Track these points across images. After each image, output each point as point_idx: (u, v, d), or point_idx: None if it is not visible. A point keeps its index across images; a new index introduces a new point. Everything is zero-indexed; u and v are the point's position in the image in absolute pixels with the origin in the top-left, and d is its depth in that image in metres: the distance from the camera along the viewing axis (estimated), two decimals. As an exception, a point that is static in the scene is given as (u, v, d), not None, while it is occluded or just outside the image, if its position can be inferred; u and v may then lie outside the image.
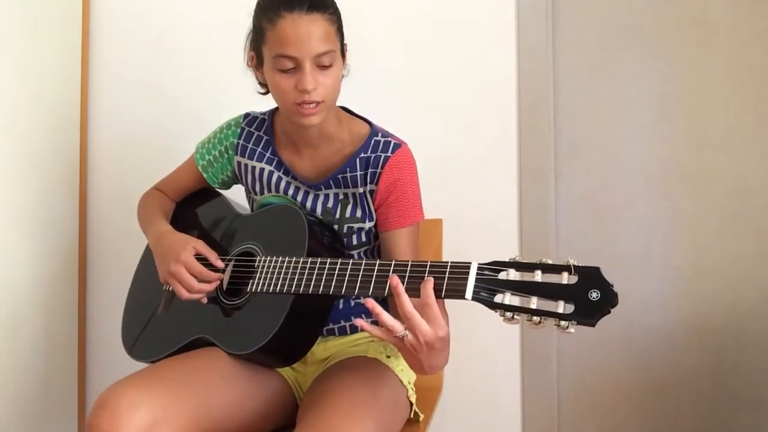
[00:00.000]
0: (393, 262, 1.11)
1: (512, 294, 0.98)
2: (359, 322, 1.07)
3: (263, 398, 1.29)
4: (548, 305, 0.96)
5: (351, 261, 1.17)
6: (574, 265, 0.96)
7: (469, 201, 1.89)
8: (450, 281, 1.04)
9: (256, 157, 1.40)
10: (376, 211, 1.34)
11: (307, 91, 1.22)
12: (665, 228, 1.90)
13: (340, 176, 1.33)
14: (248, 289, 1.27)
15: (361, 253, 1.39)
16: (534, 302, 0.96)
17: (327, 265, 1.18)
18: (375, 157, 1.31)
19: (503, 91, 1.90)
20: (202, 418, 1.16)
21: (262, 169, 1.39)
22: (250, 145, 1.41)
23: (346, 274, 1.15)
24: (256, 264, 1.28)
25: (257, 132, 1.41)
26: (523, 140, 1.90)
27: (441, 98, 1.91)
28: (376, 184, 1.31)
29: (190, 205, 1.52)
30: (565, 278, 0.96)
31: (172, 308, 1.38)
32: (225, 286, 1.32)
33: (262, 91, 1.39)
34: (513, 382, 1.91)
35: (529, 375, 1.91)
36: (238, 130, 1.42)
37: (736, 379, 1.88)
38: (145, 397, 1.11)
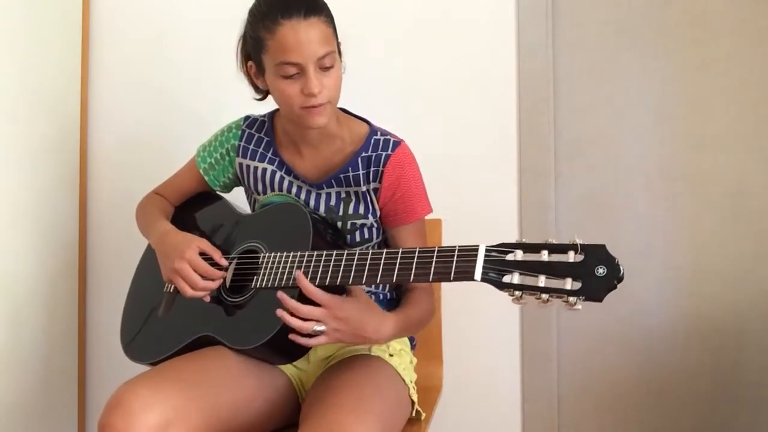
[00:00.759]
0: (400, 251, 1.14)
1: (520, 274, 1.00)
2: (280, 312, 1.16)
3: (269, 397, 1.30)
4: (556, 283, 0.97)
5: (357, 251, 1.19)
6: (579, 244, 0.98)
7: (469, 201, 1.89)
8: (459, 264, 1.06)
9: (258, 157, 1.41)
10: (382, 209, 1.36)
11: (313, 95, 1.23)
12: (665, 228, 1.90)
13: (342, 175, 1.35)
14: (252, 285, 1.28)
15: (364, 249, 1.39)
16: (542, 280, 0.98)
17: (333, 257, 1.19)
18: (376, 156, 1.33)
19: (503, 91, 1.90)
20: (212, 419, 1.17)
21: (264, 170, 1.40)
22: (251, 147, 1.42)
23: (353, 264, 1.17)
24: (260, 260, 1.29)
25: (258, 134, 1.43)
26: (523, 140, 1.90)
27: (441, 98, 1.92)
28: (380, 182, 1.33)
29: (191, 208, 1.52)
30: (571, 257, 0.98)
31: (173, 309, 1.38)
32: (228, 284, 1.33)
33: (258, 97, 1.41)
34: (513, 382, 1.91)
35: (529, 375, 1.91)
36: (239, 132, 1.43)
37: (736, 379, 1.88)
38: (159, 397, 1.11)
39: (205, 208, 1.51)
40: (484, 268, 1.03)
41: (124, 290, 1.53)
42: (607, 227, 1.92)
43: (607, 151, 1.94)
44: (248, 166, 1.42)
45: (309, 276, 1.20)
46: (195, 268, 1.27)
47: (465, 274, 1.04)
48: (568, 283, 0.97)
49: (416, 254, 1.11)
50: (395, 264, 1.13)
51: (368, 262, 1.16)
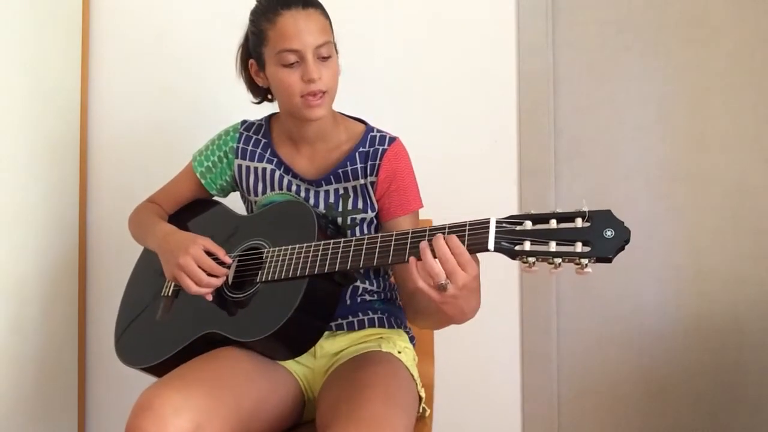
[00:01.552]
0: (410, 230, 1.15)
1: (531, 242, 1.03)
2: (423, 245, 1.08)
3: (281, 397, 1.31)
4: (566, 248, 1.01)
5: (366, 235, 1.20)
6: (586, 211, 1.02)
7: (469, 201, 1.89)
8: (471, 236, 1.08)
9: (256, 158, 1.42)
10: (378, 201, 1.38)
11: (313, 80, 1.27)
12: (665, 228, 1.91)
13: (340, 171, 1.37)
14: (258, 279, 1.29)
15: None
16: (553, 246, 1.02)
17: (342, 244, 1.21)
18: (373, 151, 1.36)
19: (503, 91, 1.90)
20: (235, 421, 1.17)
21: (264, 169, 1.41)
22: (249, 148, 1.44)
23: (362, 247, 1.19)
24: (265, 255, 1.30)
25: (255, 136, 1.45)
26: (523, 140, 1.90)
27: (441, 98, 1.92)
28: (376, 176, 1.36)
29: (190, 212, 1.52)
30: (579, 223, 1.02)
31: (172, 312, 1.38)
32: (230, 282, 1.33)
33: (256, 101, 1.44)
34: (513, 382, 1.91)
35: (529, 375, 1.91)
36: (237, 135, 1.45)
37: (736, 379, 1.88)
38: (190, 402, 1.11)
39: (204, 212, 1.51)
40: (496, 238, 1.06)
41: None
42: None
43: (607, 151, 1.94)
44: (247, 167, 1.43)
45: (318, 264, 1.21)
46: (199, 265, 1.28)
47: (479, 245, 1.07)
48: (579, 247, 1.01)
49: (427, 231, 1.13)
50: (406, 242, 1.14)
51: (378, 243, 1.17)
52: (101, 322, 2.02)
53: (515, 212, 1.87)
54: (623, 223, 1.01)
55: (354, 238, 1.21)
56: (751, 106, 1.87)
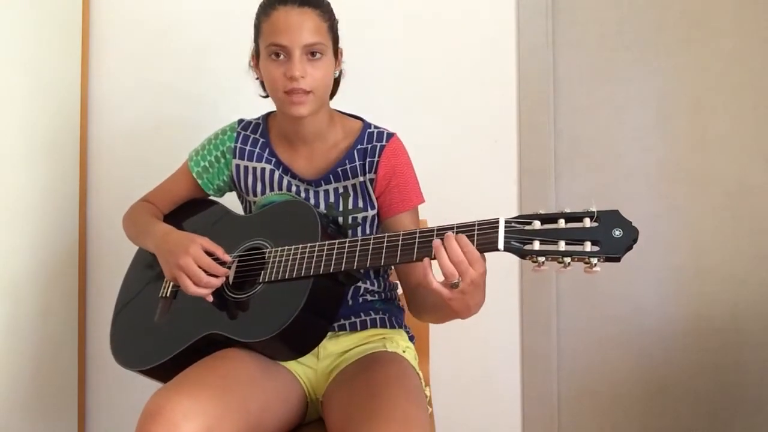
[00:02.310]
0: (417, 230, 1.15)
1: (541, 242, 1.04)
2: (437, 243, 1.08)
3: (285, 399, 1.31)
4: (576, 247, 1.03)
5: (372, 236, 1.20)
6: (594, 211, 1.04)
7: (469, 201, 1.89)
8: (481, 236, 1.09)
9: (255, 158, 1.42)
10: (378, 199, 1.37)
11: (294, 78, 1.27)
12: (665, 228, 1.91)
13: (339, 169, 1.36)
14: (260, 279, 1.28)
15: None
16: (562, 245, 1.03)
17: (347, 244, 1.21)
18: (371, 147, 1.36)
19: (503, 91, 1.90)
20: (243, 424, 1.16)
21: (263, 169, 1.41)
22: (247, 148, 1.43)
23: (369, 247, 1.18)
24: (267, 255, 1.29)
25: (253, 135, 1.44)
26: (523, 140, 1.90)
27: (441, 98, 1.92)
28: (375, 173, 1.35)
29: (188, 212, 1.51)
30: (587, 223, 1.04)
31: (171, 313, 1.37)
32: (231, 281, 1.32)
33: (264, 94, 1.42)
34: (513, 382, 1.91)
35: (529, 375, 1.91)
36: (234, 134, 1.44)
37: (736, 379, 1.88)
38: (200, 406, 1.11)
39: (202, 212, 1.50)
40: (505, 237, 1.07)
41: (125, 290, 1.52)
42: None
43: (607, 151, 1.94)
44: (245, 167, 1.42)
45: (323, 264, 1.21)
46: (199, 264, 1.27)
47: (489, 244, 1.08)
48: (588, 246, 1.02)
49: (435, 231, 1.13)
50: (414, 242, 1.14)
51: (385, 243, 1.17)
52: (101, 321, 2.01)
53: (515, 212, 1.88)
54: (631, 222, 1.03)
55: (359, 237, 1.21)
56: (751, 106, 1.87)
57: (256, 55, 1.36)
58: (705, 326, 1.90)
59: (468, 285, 1.08)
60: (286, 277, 1.24)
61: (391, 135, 1.38)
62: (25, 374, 1.77)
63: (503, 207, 1.90)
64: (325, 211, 1.37)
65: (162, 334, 1.35)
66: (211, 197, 1.52)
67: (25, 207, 1.77)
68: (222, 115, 1.52)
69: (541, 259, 1.04)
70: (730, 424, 1.89)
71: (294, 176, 1.39)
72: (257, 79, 1.41)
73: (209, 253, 1.30)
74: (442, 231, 1.12)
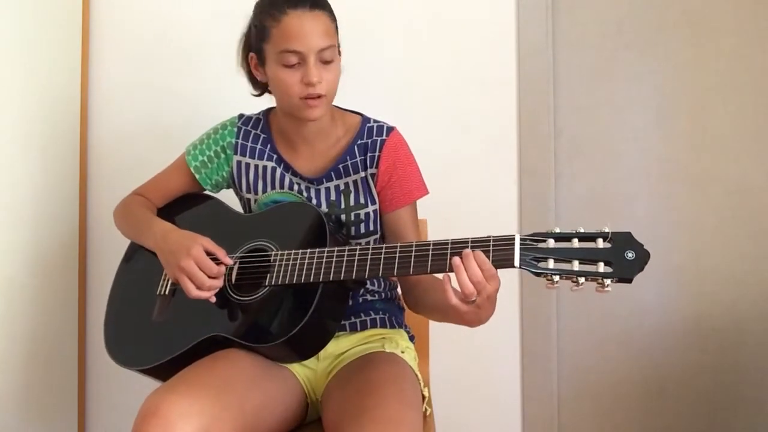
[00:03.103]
0: (431, 242, 1.15)
1: (555, 260, 1.06)
2: (456, 262, 1.09)
3: (285, 399, 1.30)
4: (589, 267, 1.05)
5: (384, 245, 1.19)
6: (608, 232, 1.06)
7: (469, 201, 1.89)
8: (496, 252, 1.10)
9: (257, 155, 1.41)
10: (379, 193, 1.37)
11: (312, 84, 1.26)
12: (665, 228, 1.90)
13: (340, 166, 1.36)
14: (266, 283, 1.26)
15: (370, 242, 1.40)
16: (576, 265, 1.05)
17: (357, 251, 1.20)
18: (372, 142, 1.36)
19: (503, 90, 1.90)
20: (241, 425, 1.16)
21: (264, 167, 1.40)
22: (249, 144, 1.42)
23: (380, 256, 1.18)
24: (272, 258, 1.28)
25: (254, 130, 1.43)
26: (523, 140, 1.90)
27: (441, 98, 1.92)
28: (377, 167, 1.35)
29: (186, 208, 1.49)
30: (600, 244, 1.06)
31: (170, 311, 1.35)
32: (233, 282, 1.31)
33: (256, 93, 1.42)
34: (513, 382, 1.91)
35: (529, 375, 1.91)
36: (235, 129, 1.43)
37: (736, 379, 1.88)
38: (196, 407, 1.10)
39: (203, 209, 1.48)
40: (521, 255, 1.08)
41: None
42: (611, 227, 1.91)
43: (607, 151, 1.94)
44: (247, 165, 1.41)
45: (333, 270, 1.20)
46: (201, 267, 1.25)
47: (505, 261, 1.09)
48: (601, 267, 1.04)
49: (449, 245, 1.13)
50: (428, 255, 1.14)
51: (397, 253, 1.17)
52: (101, 321, 2.00)
53: (515, 213, 1.89)
54: (643, 245, 1.05)
55: (370, 246, 1.20)
56: (751, 106, 1.87)
57: (258, 56, 1.33)
58: (705, 326, 1.89)
59: (484, 300, 1.10)
60: (294, 282, 1.22)
61: (391, 129, 1.38)
62: (25, 374, 1.77)
63: (503, 207, 1.90)
64: (327, 210, 1.37)
65: (162, 334, 1.33)
66: (207, 192, 1.49)
67: (25, 207, 1.77)
68: (222, 115, 1.52)
69: (556, 277, 1.05)
70: (730, 424, 1.89)
71: (295, 174, 1.39)
72: (257, 80, 1.39)
73: (210, 254, 1.29)
74: (457, 244, 1.12)
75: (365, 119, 1.40)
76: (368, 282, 1.41)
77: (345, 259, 1.20)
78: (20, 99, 1.74)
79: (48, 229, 1.86)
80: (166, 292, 1.37)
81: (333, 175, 1.36)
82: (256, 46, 1.33)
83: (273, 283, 1.25)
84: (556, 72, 1.94)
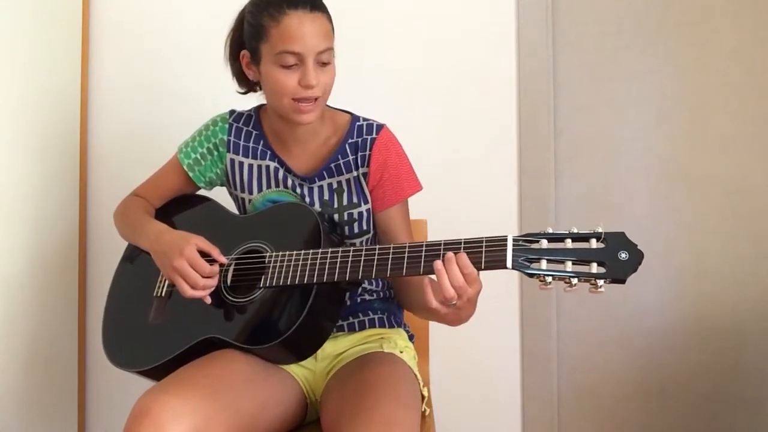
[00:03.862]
0: (424, 243, 1.15)
1: (548, 261, 1.05)
2: (438, 264, 1.10)
3: (282, 400, 1.30)
4: (582, 268, 1.04)
5: (378, 246, 1.19)
6: (601, 232, 1.05)
7: (470, 201, 1.89)
8: (489, 253, 1.09)
9: (250, 153, 1.40)
10: (371, 192, 1.37)
11: (311, 86, 1.25)
12: (665, 228, 1.90)
13: (332, 165, 1.36)
14: (261, 285, 1.26)
15: (363, 242, 1.40)
16: (569, 266, 1.05)
17: (351, 252, 1.20)
18: (362, 141, 1.35)
19: (503, 91, 1.90)
20: (235, 426, 1.16)
21: (259, 166, 1.40)
22: (241, 142, 1.41)
23: (374, 257, 1.18)
24: (267, 260, 1.28)
25: (246, 127, 1.42)
26: (523, 140, 1.90)
27: (441, 98, 1.92)
28: (368, 166, 1.35)
29: (181, 209, 1.49)
30: (593, 244, 1.05)
31: (166, 313, 1.35)
32: (229, 284, 1.31)
33: (242, 91, 1.42)
34: (513, 382, 1.91)
35: (529, 375, 1.91)
36: (226, 126, 1.42)
37: (736, 380, 1.88)
38: (188, 407, 1.10)
39: (199, 210, 1.48)
40: (513, 256, 1.07)
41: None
42: (607, 227, 1.91)
43: (607, 151, 1.94)
44: (240, 163, 1.41)
45: (327, 272, 1.20)
46: (194, 266, 1.25)
47: (497, 262, 1.08)
48: (594, 267, 1.03)
49: (442, 246, 1.13)
50: (420, 255, 1.14)
51: (390, 255, 1.17)
52: (101, 320, 2.01)
53: (515, 213, 1.89)
54: (637, 245, 1.04)
55: (364, 247, 1.20)
56: (751, 106, 1.87)
57: (252, 55, 1.32)
58: (705, 327, 1.89)
59: (464, 303, 1.10)
60: (288, 283, 1.23)
61: (380, 126, 1.37)
62: (25, 374, 1.77)
63: (503, 207, 1.90)
64: (320, 209, 1.36)
65: (158, 335, 1.33)
66: (202, 190, 1.49)
67: (25, 207, 1.77)
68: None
69: (549, 278, 1.05)
70: (730, 425, 1.89)
71: (289, 170, 1.38)
72: (245, 78, 1.38)
73: (205, 254, 1.28)
74: (450, 245, 1.12)
75: (355, 118, 1.39)
76: (366, 281, 1.41)
77: (339, 260, 1.20)
78: (20, 99, 1.74)
79: (48, 229, 1.86)
80: (163, 294, 1.37)
81: (325, 174, 1.36)
82: (250, 45, 1.31)
83: (268, 284, 1.25)
84: (556, 72, 1.94)
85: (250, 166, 1.40)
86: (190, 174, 1.45)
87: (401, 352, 1.37)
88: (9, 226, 1.71)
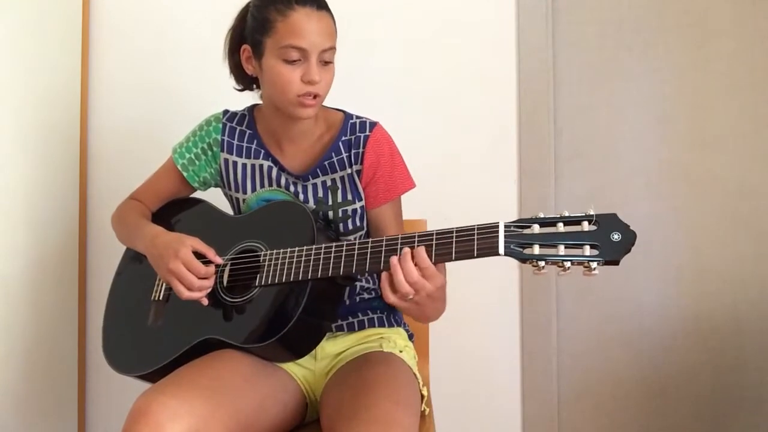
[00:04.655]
0: (416, 234, 1.15)
1: (540, 246, 1.05)
2: (394, 260, 1.11)
3: (281, 400, 1.30)
4: (575, 251, 1.04)
5: (370, 240, 1.19)
6: (593, 214, 1.05)
7: (469, 201, 1.89)
8: (481, 240, 1.09)
9: (244, 153, 1.40)
10: (364, 189, 1.37)
11: (314, 83, 1.26)
12: (665, 228, 1.90)
13: (326, 162, 1.36)
14: (256, 283, 1.27)
15: (357, 238, 1.40)
16: (561, 249, 1.04)
17: (344, 247, 1.20)
18: (356, 138, 1.36)
19: (503, 91, 1.90)
20: (234, 426, 1.16)
21: (253, 165, 1.40)
22: (235, 142, 1.41)
23: (367, 252, 1.18)
24: (262, 259, 1.28)
25: (240, 127, 1.42)
26: (523, 140, 1.90)
27: (441, 98, 1.92)
28: (361, 164, 1.35)
29: (176, 212, 1.49)
30: (585, 227, 1.05)
31: (164, 316, 1.35)
32: (225, 284, 1.31)
33: (239, 87, 1.42)
34: (513, 382, 1.91)
35: (529, 375, 1.91)
36: (220, 126, 1.42)
37: (736, 379, 1.88)
38: (186, 407, 1.10)
39: (194, 212, 1.48)
40: (505, 242, 1.07)
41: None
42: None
43: (607, 151, 1.94)
44: (234, 163, 1.41)
45: (321, 267, 1.20)
46: (189, 268, 1.25)
47: (489, 249, 1.08)
48: (587, 250, 1.03)
49: (434, 236, 1.13)
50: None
51: (383, 247, 1.17)
52: (101, 321, 2.01)
53: (515, 213, 1.89)
54: (629, 226, 1.04)
55: (357, 241, 1.20)
56: (751, 106, 1.87)
57: (254, 49, 1.31)
58: (705, 326, 1.89)
59: (424, 298, 1.11)
60: (283, 281, 1.23)
61: (374, 124, 1.37)
62: (25, 374, 1.77)
63: (503, 207, 1.90)
64: (314, 207, 1.37)
65: (157, 339, 1.33)
66: (197, 191, 1.49)
67: (25, 207, 1.77)
68: (222, 114, 1.52)
69: (542, 263, 1.04)
70: (730, 424, 1.89)
71: (283, 169, 1.38)
72: (243, 74, 1.37)
73: (200, 255, 1.28)
74: (442, 236, 1.12)
75: (348, 116, 1.39)
76: (364, 280, 1.41)
77: (332, 255, 1.21)
78: (20, 99, 1.74)
79: (48, 229, 1.86)
80: (161, 298, 1.37)
81: (319, 172, 1.36)
82: (253, 39, 1.31)
83: (263, 283, 1.26)
84: (556, 72, 1.94)
85: (244, 165, 1.40)
86: (184, 174, 1.45)
87: (401, 351, 1.37)
88: (9, 226, 1.71)
